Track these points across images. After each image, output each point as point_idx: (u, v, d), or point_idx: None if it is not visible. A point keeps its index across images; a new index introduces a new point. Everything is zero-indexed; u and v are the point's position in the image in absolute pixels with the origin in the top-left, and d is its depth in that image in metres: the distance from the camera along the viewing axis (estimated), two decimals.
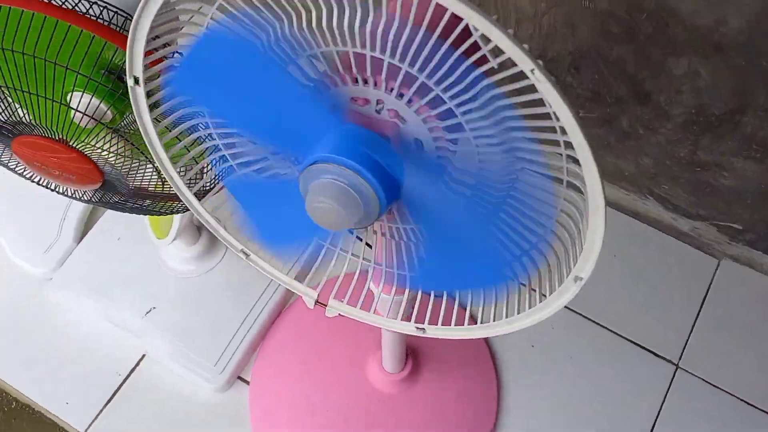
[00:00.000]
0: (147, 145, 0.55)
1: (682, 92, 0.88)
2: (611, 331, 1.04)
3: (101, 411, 0.99)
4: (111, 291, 1.04)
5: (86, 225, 1.11)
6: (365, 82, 0.44)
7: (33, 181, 0.83)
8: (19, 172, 0.82)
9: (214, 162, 0.57)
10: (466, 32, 0.38)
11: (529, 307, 0.55)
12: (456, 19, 0.37)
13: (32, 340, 1.04)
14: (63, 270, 1.07)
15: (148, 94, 0.52)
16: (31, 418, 1.01)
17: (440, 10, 0.37)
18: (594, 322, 1.04)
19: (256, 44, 0.44)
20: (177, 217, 0.92)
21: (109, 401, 1.00)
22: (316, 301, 0.64)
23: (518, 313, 0.56)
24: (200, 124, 0.54)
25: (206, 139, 0.55)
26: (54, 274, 1.07)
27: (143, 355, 1.02)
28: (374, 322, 0.66)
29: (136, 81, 0.50)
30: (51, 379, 1.02)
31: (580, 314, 1.04)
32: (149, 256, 1.05)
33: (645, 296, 1.06)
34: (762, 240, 1.03)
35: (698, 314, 1.05)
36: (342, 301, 0.64)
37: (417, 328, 0.64)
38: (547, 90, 0.38)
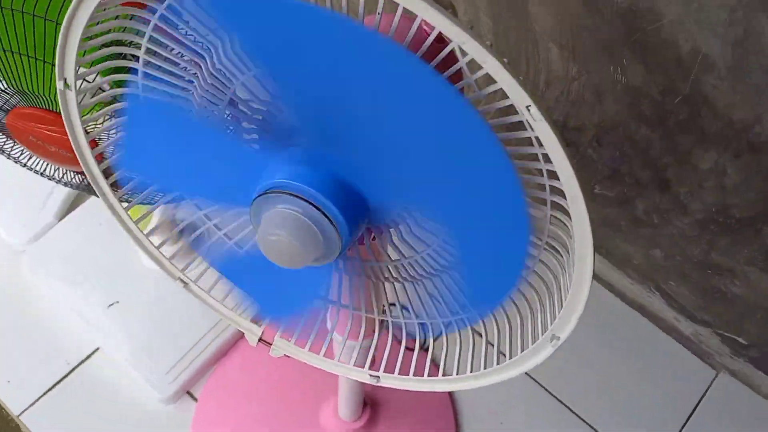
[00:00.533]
0: (75, 151, 0.51)
1: (705, 188, 0.82)
2: (590, 426, 0.96)
3: (40, 398, 0.94)
4: (79, 276, 1.00)
5: (72, 204, 1.08)
6: None
7: (22, 164, 0.79)
8: (8, 152, 0.78)
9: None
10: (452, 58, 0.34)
11: (497, 363, 0.50)
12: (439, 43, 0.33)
13: None
14: (38, 244, 1.03)
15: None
16: None
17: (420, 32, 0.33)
18: (573, 412, 0.97)
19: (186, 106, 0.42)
20: (158, 210, 0.87)
21: (50, 389, 0.95)
22: (260, 339, 0.59)
23: (485, 368, 0.51)
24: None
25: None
26: (28, 246, 1.03)
27: (97, 349, 0.97)
28: (323, 366, 0.61)
29: (66, 84, 0.45)
30: None
31: (560, 401, 0.97)
32: (127, 248, 1.01)
33: (633, 396, 0.99)
34: (766, 360, 0.96)
35: (684, 425, 0.98)
36: (289, 341, 0.59)
37: (371, 375, 0.59)
38: (542, 128, 0.33)
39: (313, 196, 0.37)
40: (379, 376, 0.58)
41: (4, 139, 0.76)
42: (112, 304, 0.98)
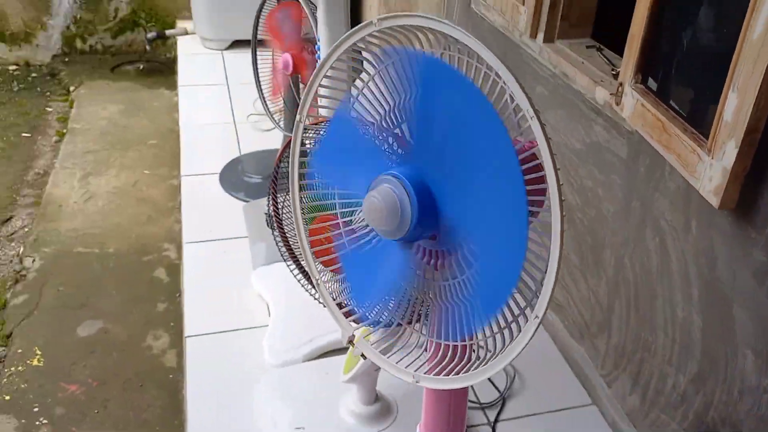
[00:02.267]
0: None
1: None
2: None
3: None
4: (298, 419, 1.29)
5: (323, 354, 1.48)
6: None
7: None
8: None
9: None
10: None
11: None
12: None
13: None
14: (278, 373, 1.43)
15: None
16: None
17: None
18: None
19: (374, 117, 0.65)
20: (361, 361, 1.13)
21: None
22: (349, 339, 0.68)
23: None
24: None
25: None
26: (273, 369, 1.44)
27: None
28: (384, 366, 0.67)
29: (300, 119, 0.70)
30: None
31: None
32: (332, 396, 1.29)
33: None
34: None
35: None
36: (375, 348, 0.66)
37: (414, 377, 0.64)
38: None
39: (404, 182, 0.60)
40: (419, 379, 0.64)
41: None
42: (299, 428, 1.25)
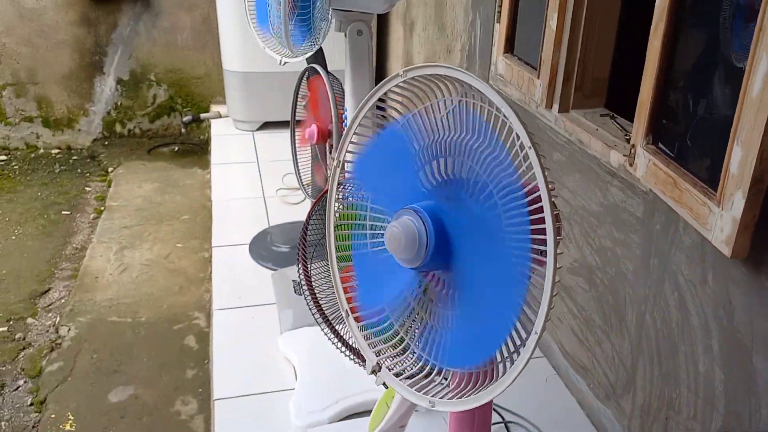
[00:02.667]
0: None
1: None
2: None
3: None
4: None
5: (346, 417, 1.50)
6: None
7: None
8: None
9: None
10: None
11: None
12: None
13: None
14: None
15: None
16: None
17: None
18: None
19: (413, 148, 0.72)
20: (387, 415, 1.16)
21: None
22: (373, 369, 0.72)
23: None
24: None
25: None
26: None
27: None
28: (404, 393, 0.71)
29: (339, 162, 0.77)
30: None
31: None
32: None
33: None
34: None
35: None
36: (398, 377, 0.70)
37: (429, 402, 0.67)
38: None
39: (422, 216, 0.66)
40: (434, 402, 0.68)
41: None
42: None
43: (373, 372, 0.73)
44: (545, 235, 0.58)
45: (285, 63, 1.67)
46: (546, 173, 0.59)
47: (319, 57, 1.85)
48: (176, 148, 3.69)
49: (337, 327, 1.42)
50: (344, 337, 1.42)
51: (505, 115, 0.61)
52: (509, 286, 0.62)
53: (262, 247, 2.26)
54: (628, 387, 1.44)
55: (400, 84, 0.71)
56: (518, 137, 0.60)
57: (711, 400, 1.17)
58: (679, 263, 1.24)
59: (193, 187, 3.19)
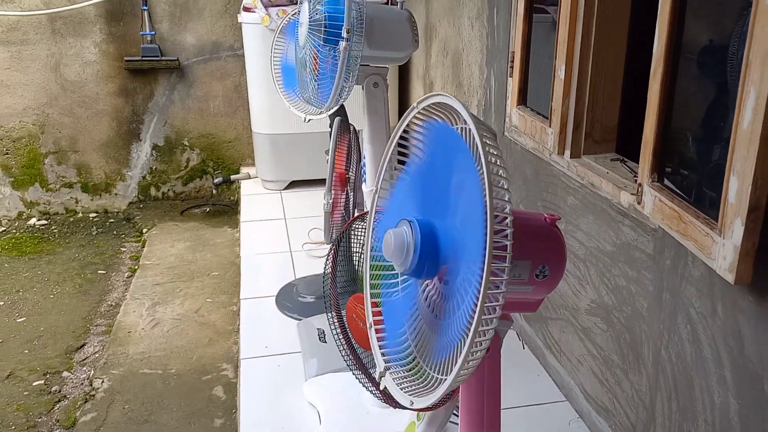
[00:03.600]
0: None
1: None
2: None
3: None
4: None
5: None
6: None
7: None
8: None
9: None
10: None
11: None
12: None
13: None
14: None
15: None
16: None
17: None
18: None
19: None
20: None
21: None
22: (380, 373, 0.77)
23: None
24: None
25: None
26: None
27: None
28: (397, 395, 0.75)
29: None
30: None
31: None
32: None
33: None
34: None
35: None
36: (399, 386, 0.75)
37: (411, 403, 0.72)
38: None
39: (414, 227, 0.73)
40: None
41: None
42: None
43: (380, 377, 0.78)
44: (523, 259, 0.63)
45: (309, 120, 1.77)
46: (492, 195, 0.64)
47: (341, 110, 1.95)
48: (207, 209, 3.81)
49: (370, 370, 1.44)
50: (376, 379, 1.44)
51: (465, 121, 0.68)
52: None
53: (288, 299, 2.32)
54: (648, 425, 1.44)
55: (416, 114, 0.79)
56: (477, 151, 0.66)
57: (727, 431, 1.18)
58: (689, 296, 1.26)
59: (223, 245, 3.28)
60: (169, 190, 3.95)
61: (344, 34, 1.41)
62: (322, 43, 1.49)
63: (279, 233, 2.94)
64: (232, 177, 3.79)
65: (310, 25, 1.50)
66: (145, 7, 3.56)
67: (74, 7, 3.51)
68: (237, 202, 3.68)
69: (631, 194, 1.43)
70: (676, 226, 1.23)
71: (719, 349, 1.19)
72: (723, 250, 1.09)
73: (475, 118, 0.70)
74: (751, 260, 1.05)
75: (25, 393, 2.22)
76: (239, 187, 3.68)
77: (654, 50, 1.29)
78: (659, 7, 1.27)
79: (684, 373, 1.30)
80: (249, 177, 3.70)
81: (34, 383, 2.27)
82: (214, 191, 3.90)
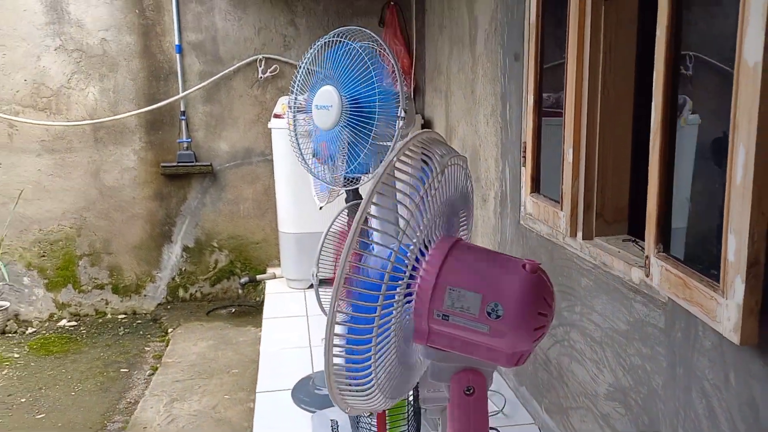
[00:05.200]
0: None
1: None
2: None
3: None
4: None
5: None
6: None
7: None
8: None
9: None
10: None
11: None
12: None
13: None
14: None
15: None
16: None
17: None
18: None
19: None
20: None
21: None
22: None
23: None
24: None
25: None
26: None
27: None
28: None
29: None
30: None
31: None
32: None
33: None
34: None
35: None
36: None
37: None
38: None
39: None
40: None
41: None
42: None
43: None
44: None
45: (321, 208, 1.83)
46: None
47: (356, 194, 2.01)
48: (233, 310, 3.83)
49: None
50: None
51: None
52: None
53: (304, 392, 2.28)
54: None
55: (409, 147, 0.81)
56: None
57: None
58: (702, 368, 1.22)
59: (246, 344, 3.27)
60: (197, 291, 4.00)
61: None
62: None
63: (300, 329, 2.93)
64: (258, 277, 3.84)
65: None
66: (183, 117, 3.76)
67: (117, 117, 3.73)
68: (262, 303, 3.70)
69: (640, 267, 1.41)
70: (681, 293, 1.21)
71: (735, 420, 1.12)
72: (727, 311, 1.06)
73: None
74: (755, 319, 1.02)
75: None
76: (264, 287, 3.71)
77: (651, 122, 1.32)
78: (653, 80, 1.31)
79: None
80: (275, 277, 3.74)
81: None
82: (241, 291, 3.93)
